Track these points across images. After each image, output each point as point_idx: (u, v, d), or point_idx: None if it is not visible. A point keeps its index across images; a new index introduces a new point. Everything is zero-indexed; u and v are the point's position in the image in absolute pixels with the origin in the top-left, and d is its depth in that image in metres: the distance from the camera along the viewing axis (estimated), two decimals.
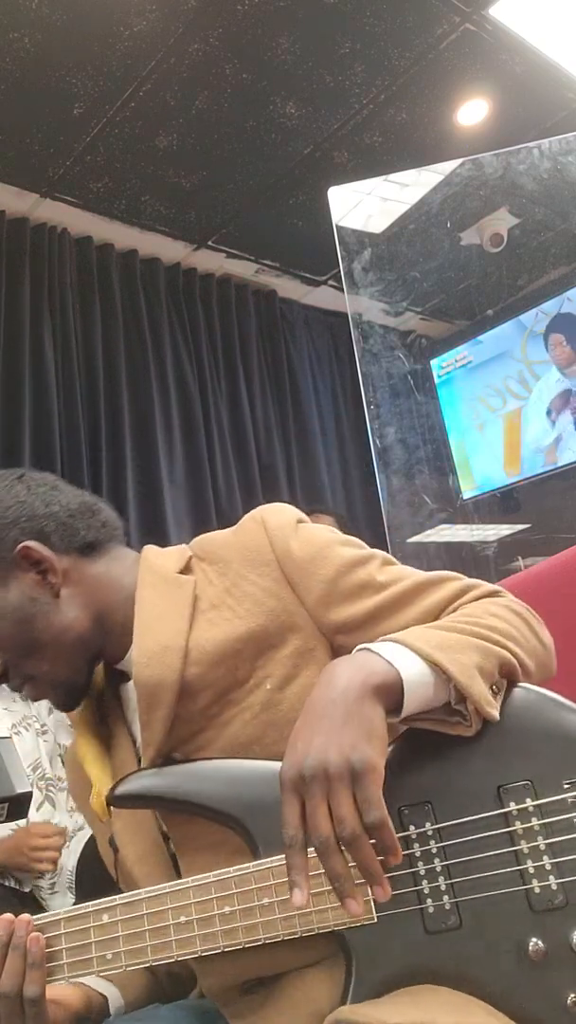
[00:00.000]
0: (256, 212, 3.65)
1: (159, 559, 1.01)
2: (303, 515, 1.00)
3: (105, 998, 0.95)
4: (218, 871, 0.84)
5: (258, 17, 2.67)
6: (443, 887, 0.80)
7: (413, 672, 0.78)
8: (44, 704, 2.34)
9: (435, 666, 0.78)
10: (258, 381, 4.11)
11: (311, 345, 4.47)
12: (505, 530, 4.03)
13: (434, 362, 3.91)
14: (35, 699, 0.99)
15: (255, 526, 0.98)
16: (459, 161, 3.16)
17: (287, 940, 0.83)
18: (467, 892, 0.79)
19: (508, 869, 0.79)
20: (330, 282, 4.27)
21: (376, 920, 0.80)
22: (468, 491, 3.77)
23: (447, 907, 0.79)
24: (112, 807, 0.91)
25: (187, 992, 1.03)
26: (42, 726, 2.28)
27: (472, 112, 3.23)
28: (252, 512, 1.01)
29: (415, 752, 0.85)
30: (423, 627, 0.85)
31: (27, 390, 3.20)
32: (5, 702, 2.28)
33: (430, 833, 0.81)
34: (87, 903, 0.87)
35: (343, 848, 0.70)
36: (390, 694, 0.77)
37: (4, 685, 2.21)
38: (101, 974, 0.86)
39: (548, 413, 3.47)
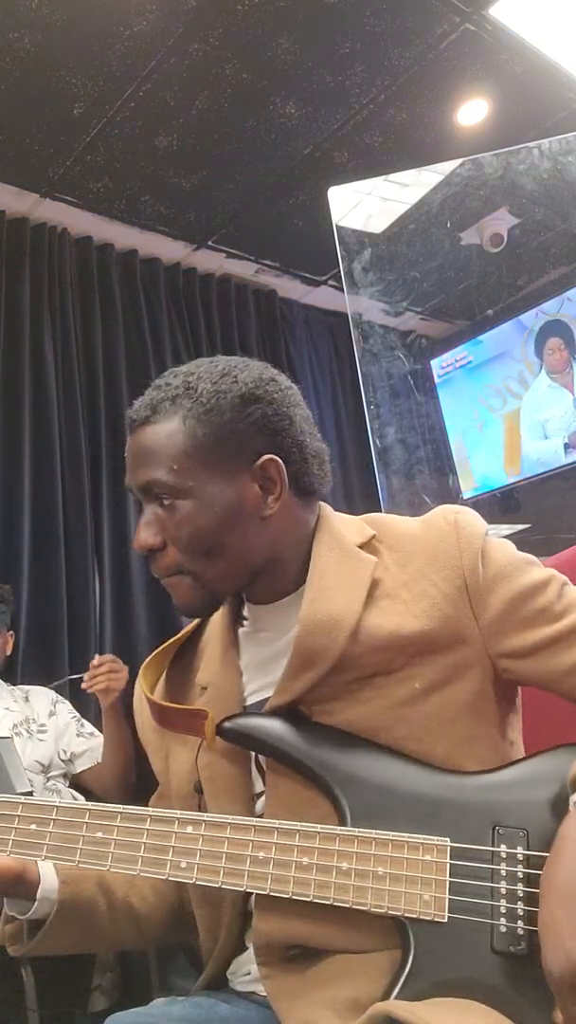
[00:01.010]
0: (256, 212, 3.64)
1: (339, 525, 1.00)
2: (487, 526, 0.99)
3: (39, 879, 0.95)
4: (306, 823, 0.85)
5: (258, 17, 2.66)
6: (520, 911, 0.80)
7: None
8: (45, 708, 2.34)
9: None
10: None
11: (311, 345, 4.47)
12: (505, 530, 4.03)
13: (434, 362, 3.92)
14: (173, 588, 0.95)
15: (448, 527, 0.96)
16: (459, 161, 3.16)
17: (346, 919, 0.83)
18: None
19: None
20: (330, 282, 4.27)
21: (447, 920, 0.81)
22: (468, 491, 3.77)
23: (519, 932, 0.80)
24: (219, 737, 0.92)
25: (138, 939, 1.05)
26: (40, 726, 2.28)
27: (472, 112, 3.23)
28: (444, 511, 0.99)
29: (526, 780, 0.87)
30: None
31: (27, 390, 3.20)
32: (6, 702, 2.28)
33: (520, 858, 0.82)
34: (175, 810, 0.89)
35: None
36: None
37: (7, 685, 2.18)
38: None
39: (544, 425, 3.47)
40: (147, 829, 0.87)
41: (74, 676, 2.48)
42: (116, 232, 3.64)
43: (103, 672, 2.28)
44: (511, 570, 0.94)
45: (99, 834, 0.87)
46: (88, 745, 2.33)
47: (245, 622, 1.02)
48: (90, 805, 0.89)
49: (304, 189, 3.51)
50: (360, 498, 4.24)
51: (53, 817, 0.88)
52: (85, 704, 2.54)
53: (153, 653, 1.06)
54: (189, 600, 0.95)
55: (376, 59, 2.89)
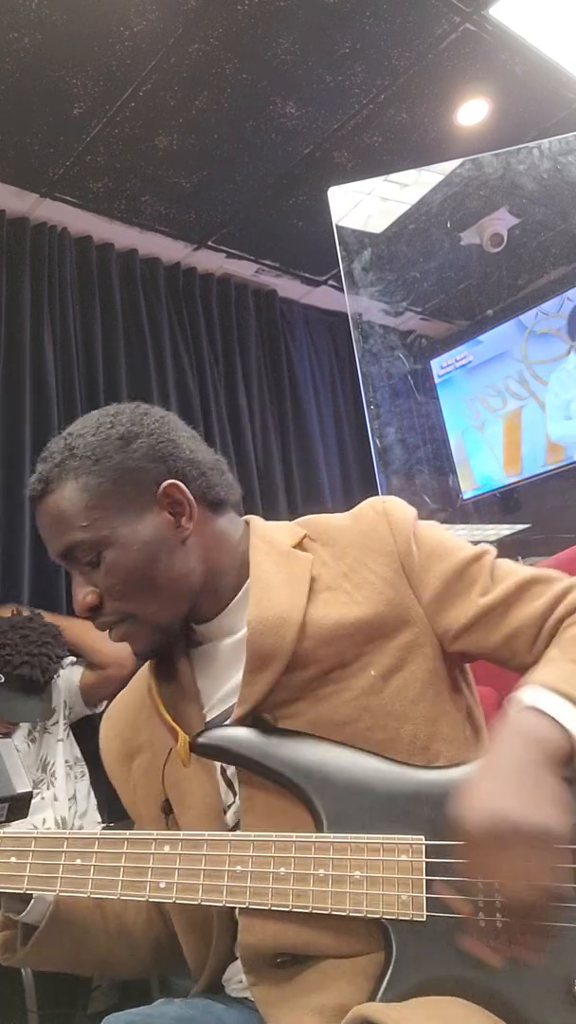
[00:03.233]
0: (256, 212, 3.64)
1: (271, 531, 1.02)
2: (415, 511, 1.02)
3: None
4: (281, 832, 0.86)
5: (258, 17, 2.66)
6: (497, 904, 0.80)
7: None
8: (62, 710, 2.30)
9: None
10: (257, 381, 4.11)
11: (311, 345, 4.47)
12: (505, 530, 4.03)
13: (434, 362, 3.92)
14: (122, 639, 0.97)
15: (377, 516, 1.00)
16: (459, 161, 3.16)
17: (331, 925, 0.84)
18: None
19: (569, 905, 0.78)
20: (330, 282, 4.27)
21: (425, 920, 0.81)
22: (468, 491, 3.78)
23: (498, 925, 0.79)
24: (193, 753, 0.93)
25: (129, 957, 1.05)
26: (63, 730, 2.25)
27: (472, 112, 3.22)
28: (372, 502, 1.03)
29: None
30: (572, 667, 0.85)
31: (27, 390, 3.20)
32: None
33: None
34: (151, 831, 0.91)
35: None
36: (565, 761, 0.79)
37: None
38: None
39: (569, 404, 3.47)
40: (125, 852, 0.88)
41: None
42: (116, 232, 3.64)
43: None
44: (443, 550, 0.97)
45: (78, 861, 0.88)
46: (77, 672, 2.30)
47: (193, 637, 1.03)
48: (68, 833, 0.91)
49: (304, 189, 3.51)
50: (360, 498, 4.23)
51: (32, 848, 0.89)
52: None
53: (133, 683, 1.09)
54: (146, 641, 0.97)
55: (376, 59, 2.89)
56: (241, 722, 0.91)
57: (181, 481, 0.96)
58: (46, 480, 0.97)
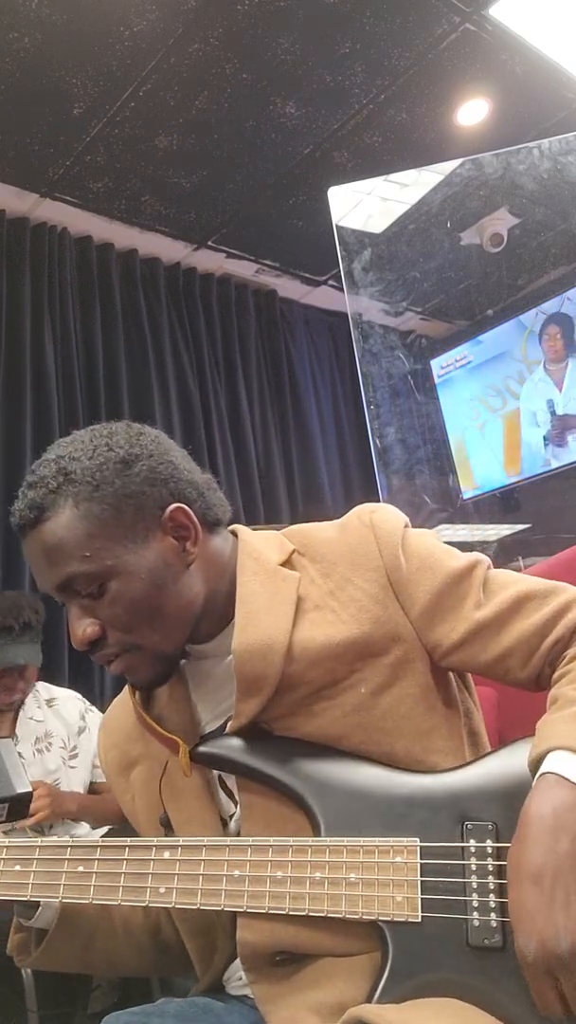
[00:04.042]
0: (256, 212, 3.65)
1: (259, 546, 0.98)
2: (406, 519, 0.98)
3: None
4: (279, 838, 0.86)
5: (258, 17, 2.67)
6: (492, 904, 0.80)
7: None
8: (75, 720, 2.23)
9: None
10: (258, 381, 4.11)
11: (311, 345, 4.47)
12: (505, 530, 4.03)
13: (434, 362, 3.92)
14: (122, 672, 0.93)
15: (363, 529, 0.96)
16: (459, 161, 3.16)
17: (329, 924, 0.84)
18: None
19: None
20: (330, 282, 4.27)
21: (420, 921, 0.81)
22: (468, 491, 3.78)
23: (493, 924, 0.79)
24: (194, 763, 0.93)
25: (133, 956, 1.05)
26: (71, 751, 2.21)
27: (472, 112, 3.23)
28: (359, 511, 0.99)
29: (493, 774, 0.87)
30: None
31: (27, 389, 3.20)
32: (30, 710, 2.21)
33: (489, 851, 0.82)
34: (151, 837, 0.92)
35: None
36: None
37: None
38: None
39: (535, 414, 3.51)
40: (126, 859, 0.88)
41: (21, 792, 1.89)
42: (116, 232, 3.64)
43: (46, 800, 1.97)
44: (433, 561, 0.93)
45: (80, 868, 0.89)
46: None
47: (188, 655, 1.01)
48: (71, 841, 0.91)
49: (304, 189, 3.52)
50: (360, 498, 4.23)
51: (36, 856, 0.90)
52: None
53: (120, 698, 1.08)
54: (149, 673, 0.94)
55: (376, 59, 2.89)
56: (239, 733, 0.91)
57: (184, 504, 0.93)
58: (40, 507, 0.89)
